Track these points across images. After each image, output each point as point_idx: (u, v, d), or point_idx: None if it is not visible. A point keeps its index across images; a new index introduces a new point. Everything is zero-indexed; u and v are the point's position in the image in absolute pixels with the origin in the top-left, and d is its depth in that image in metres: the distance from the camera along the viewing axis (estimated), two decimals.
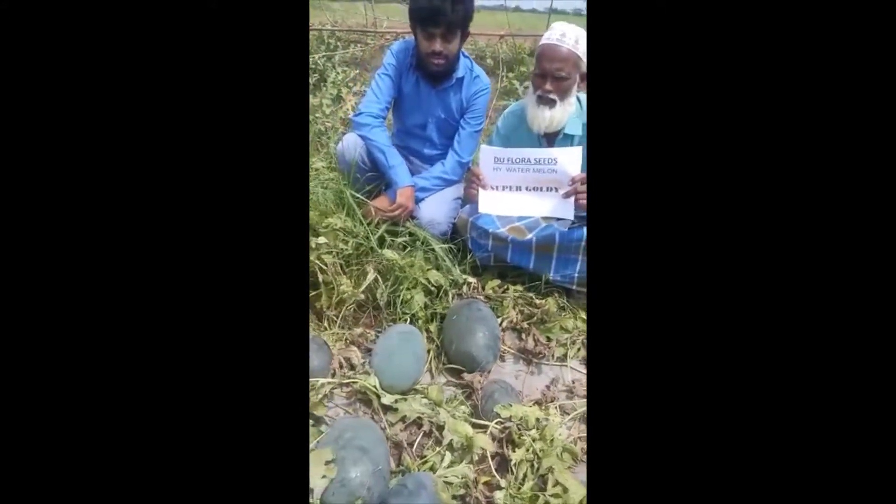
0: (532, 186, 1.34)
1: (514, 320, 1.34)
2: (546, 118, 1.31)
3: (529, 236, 1.36)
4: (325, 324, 1.28)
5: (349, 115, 2.40)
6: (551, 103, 1.29)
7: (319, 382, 1.01)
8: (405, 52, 1.45)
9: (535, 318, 1.33)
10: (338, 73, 2.68)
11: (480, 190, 1.35)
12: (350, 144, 1.44)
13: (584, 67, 1.31)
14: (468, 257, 1.44)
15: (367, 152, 1.45)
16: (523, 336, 1.32)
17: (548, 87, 1.27)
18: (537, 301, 1.37)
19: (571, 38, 1.26)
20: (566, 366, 1.25)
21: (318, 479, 0.76)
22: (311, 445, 0.86)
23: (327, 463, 0.78)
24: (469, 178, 1.39)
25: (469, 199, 1.42)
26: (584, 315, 1.37)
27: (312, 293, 1.28)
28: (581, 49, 1.27)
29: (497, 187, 1.35)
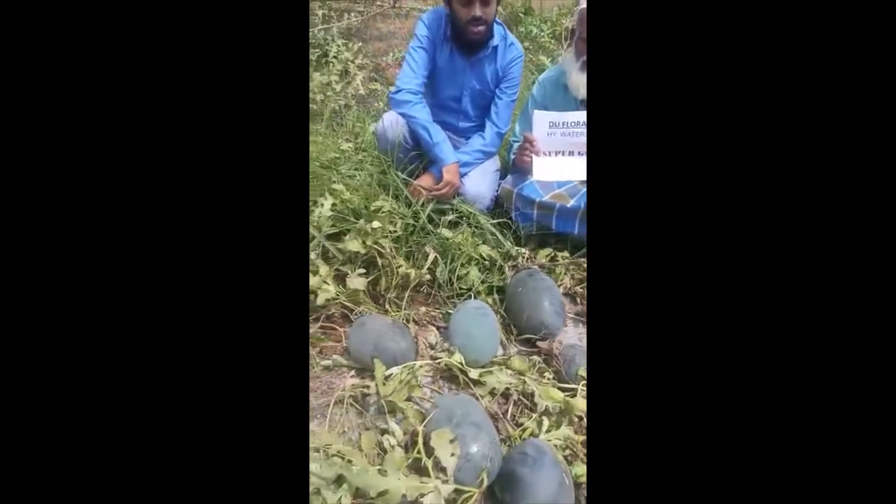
0: (584, 150, 1.35)
1: (568, 286, 1.38)
2: None
3: (573, 202, 1.38)
4: (387, 306, 1.30)
5: (359, 91, 2.33)
6: None
7: (417, 365, 1.03)
8: (437, 21, 1.40)
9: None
10: (339, 46, 2.56)
11: (534, 157, 1.35)
12: (391, 123, 1.41)
13: None
14: (511, 228, 1.46)
15: (409, 130, 1.42)
16: (578, 300, 1.37)
17: None
18: (586, 266, 1.41)
19: None
20: None
21: (447, 458, 0.80)
22: (420, 426, 0.89)
23: (451, 441, 0.81)
24: (522, 145, 1.39)
25: (520, 167, 1.42)
26: None
27: (370, 277, 1.28)
28: None
29: (550, 153, 1.36)
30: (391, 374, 0.99)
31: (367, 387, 1.02)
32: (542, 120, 1.33)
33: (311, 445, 0.88)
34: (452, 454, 0.80)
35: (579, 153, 1.36)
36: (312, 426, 0.98)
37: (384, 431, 0.93)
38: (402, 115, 1.40)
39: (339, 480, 0.77)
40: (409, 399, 0.99)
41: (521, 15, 3.13)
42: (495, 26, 1.40)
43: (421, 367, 1.04)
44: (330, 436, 0.90)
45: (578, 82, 1.33)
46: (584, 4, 1.28)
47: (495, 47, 1.42)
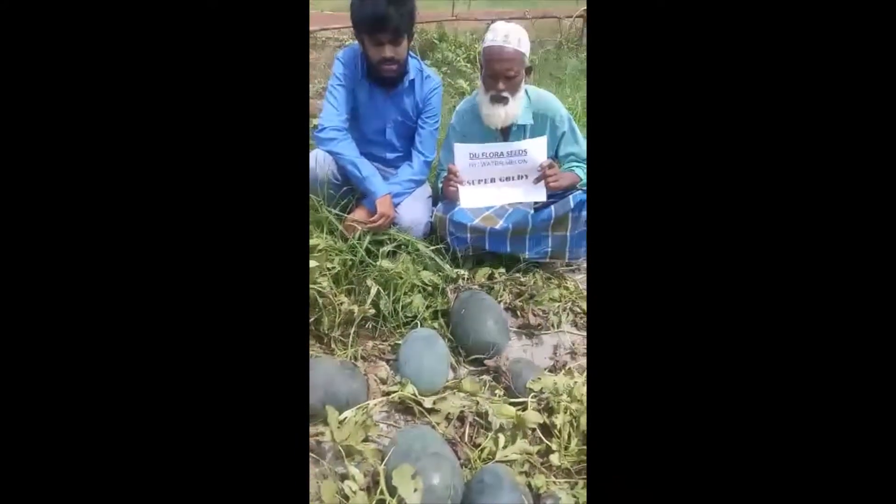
0: (505, 177, 1.44)
1: (508, 301, 1.44)
2: (502, 115, 1.41)
3: (501, 223, 1.46)
4: (333, 345, 1.28)
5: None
6: (504, 101, 1.40)
7: (370, 405, 1.02)
8: (353, 59, 1.43)
9: (525, 294, 1.45)
10: None
11: (459, 186, 1.41)
12: (319, 161, 1.41)
13: (527, 62, 1.41)
14: (448, 251, 1.51)
15: (338, 167, 1.43)
16: (518, 313, 1.43)
17: (500, 86, 1.37)
18: (522, 280, 1.48)
19: (514, 37, 1.35)
20: (563, 331, 1.39)
21: (411, 494, 0.80)
22: (380, 465, 0.89)
23: (413, 477, 0.82)
24: (447, 176, 1.44)
25: (447, 196, 1.48)
26: (567, 284, 1.52)
27: (312, 318, 1.26)
28: (524, 46, 1.37)
29: (474, 181, 1.43)
30: (345, 417, 0.98)
31: (321, 433, 1.00)
32: (462, 152, 1.41)
33: None
34: (415, 489, 0.81)
35: (500, 180, 1.45)
36: None
37: (344, 477, 0.91)
38: (329, 152, 1.41)
39: None
40: (366, 439, 0.98)
41: (435, 41, 3.25)
42: (410, 60, 1.46)
43: (375, 405, 1.04)
44: None
45: (489, 114, 1.42)
46: (489, 41, 1.37)
47: (412, 80, 1.48)
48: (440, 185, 1.58)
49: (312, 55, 3.23)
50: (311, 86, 2.77)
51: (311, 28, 3.47)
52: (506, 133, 1.52)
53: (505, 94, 1.38)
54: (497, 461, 0.94)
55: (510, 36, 1.34)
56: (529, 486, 0.91)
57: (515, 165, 1.42)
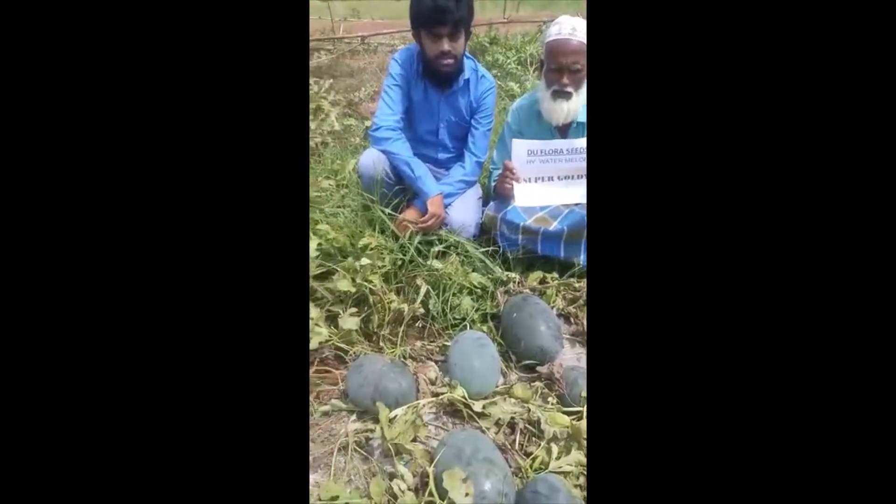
0: (563, 175, 1.39)
1: (561, 307, 1.39)
2: (564, 111, 1.36)
3: (556, 224, 1.41)
4: (381, 344, 1.28)
5: (334, 127, 2.35)
6: (567, 96, 1.35)
7: (420, 404, 1.01)
8: (410, 59, 1.44)
9: (580, 301, 1.39)
10: (310, 84, 2.59)
11: (515, 184, 1.38)
12: (372, 161, 1.42)
13: None
14: (499, 254, 1.47)
15: (391, 166, 1.43)
16: (572, 320, 1.38)
17: (564, 80, 1.32)
18: (577, 285, 1.42)
19: (580, 30, 1.30)
20: None
21: (461, 498, 0.78)
22: (429, 467, 0.87)
23: (464, 480, 0.79)
24: (503, 173, 1.42)
25: (502, 194, 1.45)
26: None
27: (362, 315, 1.27)
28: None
29: (530, 179, 1.39)
30: (395, 415, 0.97)
31: (372, 430, 0.99)
32: (520, 148, 1.37)
33: (318, 498, 0.85)
34: (466, 494, 0.78)
35: (558, 178, 1.40)
36: (316, 477, 0.94)
37: (392, 476, 0.90)
38: (383, 151, 1.42)
39: None
40: (414, 440, 0.96)
41: (487, 45, 3.24)
42: (465, 60, 1.45)
43: (424, 405, 1.02)
44: (336, 486, 0.87)
45: (550, 109, 1.38)
46: (554, 35, 1.34)
47: (467, 80, 1.47)
48: (492, 186, 1.55)
49: (365, 59, 3.31)
50: (363, 89, 2.83)
51: (364, 34, 3.56)
52: (564, 131, 1.47)
53: (568, 88, 1.34)
54: (550, 471, 0.90)
55: (577, 29, 1.31)
56: (585, 499, 0.86)
57: (575, 164, 1.37)
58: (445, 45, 1.33)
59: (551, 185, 1.40)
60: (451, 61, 1.36)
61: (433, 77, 1.43)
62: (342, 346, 1.20)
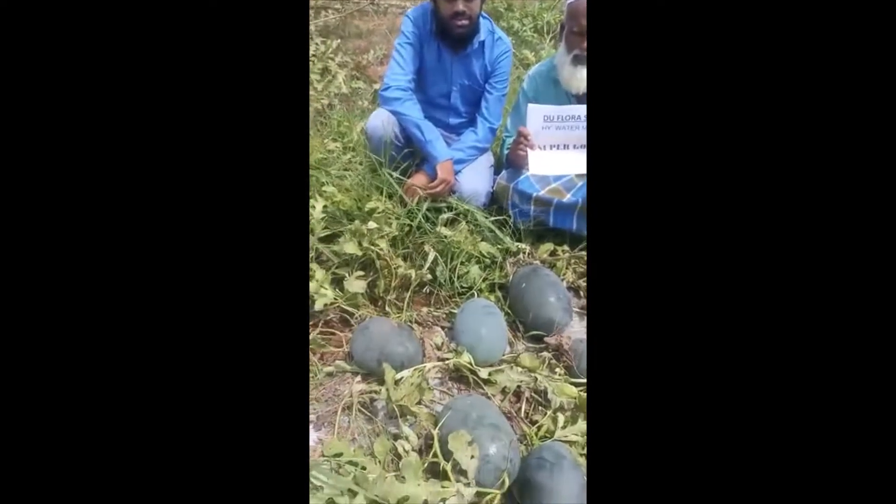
0: (581, 144, 1.34)
1: (571, 280, 1.37)
2: (584, 78, 1.30)
3: (569, 196, 1.37)
4: (387, 308, 1.26)
5: (342, 89, 2.28)
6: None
7: (427, 367, 1.00)
8: (423, 17, 1.37)
9: None
10: (317, 44, 2.50)
11: (529, 151, 1.33)
12: (380, 122, 1.37)
13: None
14: (509, 224, 1.44)
15: (400, 128, 1.39)
16: (581, 294, 1.36)
17: (585, 45, 1.25)
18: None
19: None
20: None
21: (467, 460, 0.77)
22: (434, 430, 0.86)
23: (470, 443, 0.79)
24: (517, 139, 1.37)
25: (515, 162, 1.40)
26: None
27: (368, 279, 1.25)
28: None
29: (545, 146, 1.34)
30: (401, 377, 0.96)
31: (377, 392, 0.98)
32: (536, 113, 1.31)
33: (321, 455, 0.85)
34: (472, 456, 0.78)
35: (574, 146, 1.35)
36: (320, 435, 0.94)
37: (396, 437, 0.90)
38: (393, 112, 1.37)
39: (352, 491, 0.74)
40: (419, 403, 0.96)
41: (502, 10, 3.11)
42: (481, 21, 1.38)
43: (430, 369, 1.01)
44: (340, 444, 0.86)
45: (570, 76, 1.31)
46: None
47: (482, 42, 1.40)
48: (505, 154, 1.51)
49: (374, 21, 3.20)
50: (371, 52, 2.74)
51: None
52: (581, 100, 1.41)
53: None
54: (556, 440, 0.89)
55: None
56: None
57: None
58: (460, 6, 1.27)
59: (567, 154, 1.35)
60: (465, 22, 1.30)
61: (446, 37, 1.37)
62: (348, 308, 1.18)
